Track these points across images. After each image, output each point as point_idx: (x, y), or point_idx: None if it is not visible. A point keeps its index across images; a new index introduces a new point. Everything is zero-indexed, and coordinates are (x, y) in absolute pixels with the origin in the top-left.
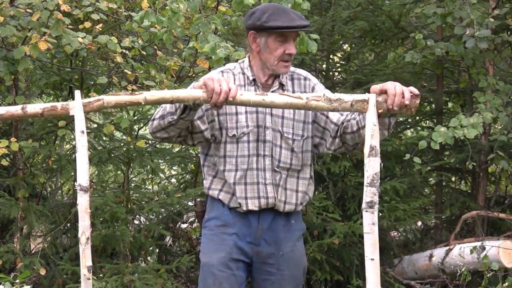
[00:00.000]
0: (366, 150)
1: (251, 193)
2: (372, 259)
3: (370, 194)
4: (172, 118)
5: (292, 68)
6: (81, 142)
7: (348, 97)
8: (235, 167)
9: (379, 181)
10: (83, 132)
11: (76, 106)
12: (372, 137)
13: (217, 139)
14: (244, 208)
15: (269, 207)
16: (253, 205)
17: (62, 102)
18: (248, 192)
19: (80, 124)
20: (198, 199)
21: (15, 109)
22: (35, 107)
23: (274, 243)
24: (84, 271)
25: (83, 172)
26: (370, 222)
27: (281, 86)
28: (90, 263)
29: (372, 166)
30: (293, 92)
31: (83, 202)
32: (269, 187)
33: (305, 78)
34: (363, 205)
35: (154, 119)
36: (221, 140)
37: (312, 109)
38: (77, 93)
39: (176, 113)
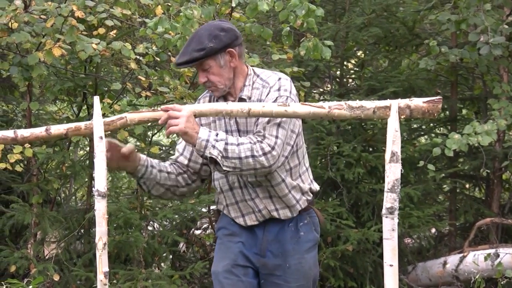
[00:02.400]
0: (387, 156)
1: (245, 210)
2: (391, 265)
3: (390, 200)
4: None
5: (267, 75)
6: (100, 148)
7: (370, 104)
8: (220, 188)
9: (399, 187)
10: (101, 137)
11: (95, 112)
12: (393, 143)
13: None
14: (244, 224)
15: (269, 218)
16: (251, 220)
17: (85, 122)
18: (242, 209)
19: (98, 130)
20: (215, 208)
21: (39, 131)
22: (58, 128)
23: (281, 255)
24: (100, 277)
25: (101, 178)
26: (390, 228)
27: (242, 100)
28: (107, 269)
29: (393, 172)
30: (253, 98)
31: (100, 207)
32: (257, 200)
33: (263, 86)
34: (383, 211)
35: None
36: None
37: (335, 117)
38: (96, 98)
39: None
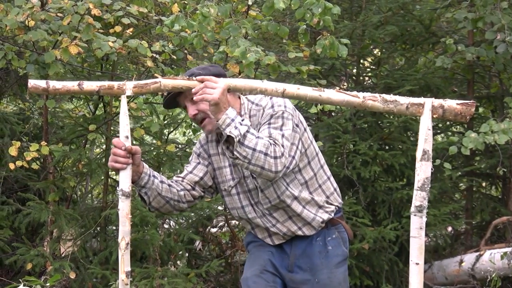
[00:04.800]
0: (419, 154)
1: (271, 232)
2: (417, 264)
3: (420, 198)
4: (143, 200)
5: (259, 97)
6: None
7: (404, 100)
8: (239, 217)
9: (429, 186)
10: (127, 137)
11: (121, 110)
12: (425, 141)
13: (220, 194)
14: (271, 243)
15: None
16: (278, 240)
17: (119, 82)
18: (268, 231)
19: (124, 129)
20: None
21: (72, 85)
22: (91, 84)
23: (309, 270)
24: (122, 277)
25: (126, 177)
26: (418, 226)
27: None
28: (129, 268)
29: (423, 170)
30: (255, 125)
31: (124, 207)
32: (278, 225)
33: (258, 110)
34: (412, 209)
35: None
36: (221, 194)
37: (368, 108)
38: (123, 98)
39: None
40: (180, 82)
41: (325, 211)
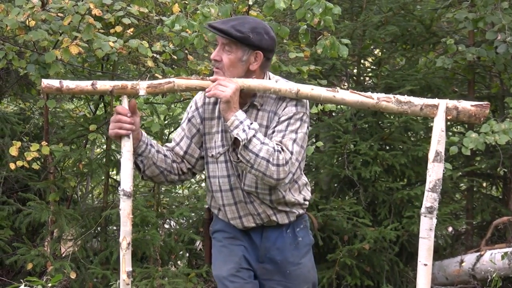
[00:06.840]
0: (431, 155)
1: (243, 211)
2: (426, 265)
3: (431, 199)
4: (137, 168)
5: None
6: (126, 147)
7: (418, 101)
8: (219, 187)
9: (441, 187)
10: (128, 137)
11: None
12: (438, 142)
13: (204, 160)
14: (240, 226)
15: (267, 224)
16: (248, 222)
17: (132, 81)
18: (240, 210)
19: None
20: (207, 206)
21: (85, 85)
22: (105, 84)
23: (280, 262)
24: (123, 276)
25: (127, 177)
26: (427, 228)
27: (253, 106)
28: (130, 268)
29: (435, 171)
30: (268, 111)
31: (125, 207)
32: (255, 204)
33: (279, 98)
34: (422, 210)
35: None
36: (206, 160)
37: (382, 109)
38: (124, 98)
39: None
40: (194, 82)
41: (301, 208)
